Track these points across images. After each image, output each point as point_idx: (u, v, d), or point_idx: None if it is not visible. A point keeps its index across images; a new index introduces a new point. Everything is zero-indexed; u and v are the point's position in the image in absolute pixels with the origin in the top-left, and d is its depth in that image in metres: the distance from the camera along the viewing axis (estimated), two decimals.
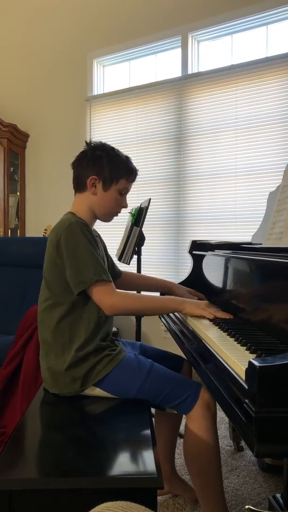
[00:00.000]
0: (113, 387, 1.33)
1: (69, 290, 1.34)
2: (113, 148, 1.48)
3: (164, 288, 1.78)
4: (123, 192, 1.48)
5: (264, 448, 0.75)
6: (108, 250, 1.64)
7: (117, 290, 1.37)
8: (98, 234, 1.58)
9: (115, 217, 1.54)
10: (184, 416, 1.36)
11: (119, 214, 1.53)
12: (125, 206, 1.52)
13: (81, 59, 3.69)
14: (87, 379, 1.33)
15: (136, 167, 1.52)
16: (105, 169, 1.43)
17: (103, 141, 1.51)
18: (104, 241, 1.63)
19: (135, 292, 1.49)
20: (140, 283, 1.81)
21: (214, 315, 1.39)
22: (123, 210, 1.54)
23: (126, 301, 1.36)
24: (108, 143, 1.50)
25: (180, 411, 1.34)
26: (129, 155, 1.52)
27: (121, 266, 2.48)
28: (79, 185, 1.47)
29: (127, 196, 1.52)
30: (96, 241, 1.40)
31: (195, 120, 3.15)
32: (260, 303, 1.29)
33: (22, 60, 4.02)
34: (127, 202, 1.52)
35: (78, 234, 1.32)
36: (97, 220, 1.52)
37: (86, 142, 1.50)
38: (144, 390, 1.31)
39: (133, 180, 1.51)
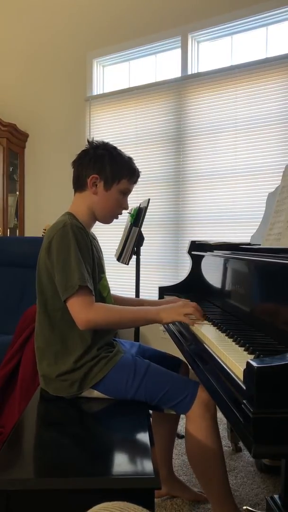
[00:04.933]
0: (111, 389, 1.32)
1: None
2: (115, 148, 1.46)
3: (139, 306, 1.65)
4: (125, 193, 1.46)
5: (261, 449, 0.75)
6: (105, 252, 1.59)
7: (95, 303, 1.30)
8: (95, 237, 1.54)
9: (114, 219, 1.51)
10: (182, 417, 1.36)
11: (119, 216, 1.51)
12: (126, 207, 1.49)
13: (81, 59, 3.69)
14: (84, 382, 1.32)
15: (139, 168, 1.49)
16: (106, 168, 1.40)
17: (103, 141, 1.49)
18: (103, 241, 1.60)
19: (112, 305, 1.44)
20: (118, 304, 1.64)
21: (193, 321, 1.36)
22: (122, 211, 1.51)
23: (102, 315, 1.29)
24: (129, 155, 1.48)
25: (179, 411, 1.33)
26: (130, 156, 1.50)
27: (120, 267, 2.50)
28: (79, 184, 1.44)
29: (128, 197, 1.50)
30: (89, 247, 1.36)
31: (194, 121, 3.15)
32: (259, 303, 1.30)
33: (22, 60, 4.01)
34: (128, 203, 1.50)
35: (70, 237, 1.29)
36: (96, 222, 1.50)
37: (88, 140, 1.47)
38: (141, 391, 1.30)
39: (135, 181, 1.48)
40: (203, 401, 1.27)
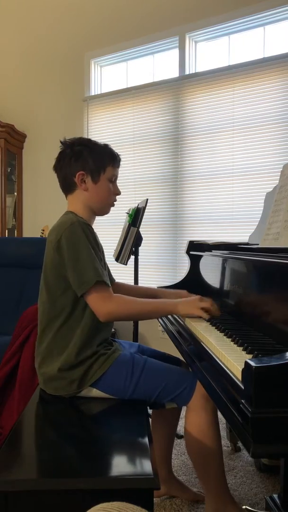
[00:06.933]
0: (110, 386, 1.33)
1: (70, 293, 1.33)
2: (90, 140, 1.47)
3: (154, 296, 1.67)
4: (113, 180, 1.47)
5: (260, 449, 0.75)
6: (105, 252, 1.61)
7: (114, 294, 1.34)
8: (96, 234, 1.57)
9: (111, 216, 1.52)
10: (182, 417, 1.36)
11: (115, 204, 1.51)
12: (119, 192, 1.50)
13: (79, 59, 3.69)
14: (83, 380, 1.32)
15: (118, 153, 1.50)
16: (89, 161, 1.41)
17: (98, 140, 1.49)
18: (101, 241, 1.61)
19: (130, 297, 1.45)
20: (132, 295, 1.61)
21: (209, 315, 1.38)
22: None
23: (122, 307, 1.33)
24: (104, 142, 1.49)
25: (179, 403, 1.34)
26: (122, 154, 1.51)
27: (118, 267, 2.49)
28: (68, 186, 1.45)
29: (118, 184, 1.51)
30: (97, 243, 1.39)
31: (192, 121, 3.15)
32: (257, 303, 1.29)
33: (20, 60, 4.01)
34: (120, 189, 1.51)
35: (80, 234, 1.30)
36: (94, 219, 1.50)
37: (60, 141, 1.48)
38: (140, 387, 1.31)
39: (118, 165, 1.49)
40: (203, 393, 1.28)
